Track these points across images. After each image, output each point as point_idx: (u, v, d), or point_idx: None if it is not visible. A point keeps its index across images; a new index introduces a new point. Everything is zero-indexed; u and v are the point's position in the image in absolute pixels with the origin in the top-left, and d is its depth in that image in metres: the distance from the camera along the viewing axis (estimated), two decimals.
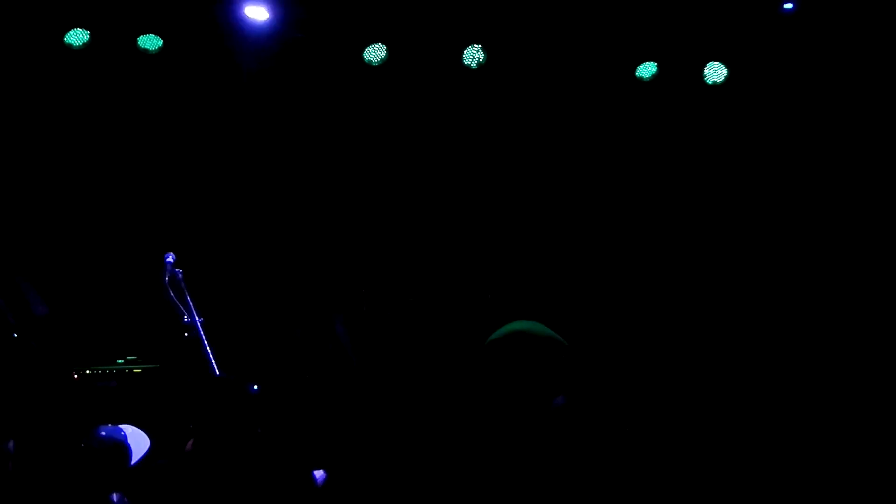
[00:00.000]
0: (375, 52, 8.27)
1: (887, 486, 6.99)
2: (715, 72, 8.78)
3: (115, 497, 4.18)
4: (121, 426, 4.72)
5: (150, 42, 7.82)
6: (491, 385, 3.46)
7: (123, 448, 4.55)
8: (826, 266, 8.67)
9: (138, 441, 4.79)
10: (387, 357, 7.70)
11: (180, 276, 6.28)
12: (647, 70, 8.76)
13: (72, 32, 7.58)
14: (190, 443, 3.84)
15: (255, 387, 7.14)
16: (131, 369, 7.04)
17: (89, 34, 7.62)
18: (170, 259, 6.23)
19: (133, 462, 4.56)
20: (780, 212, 9.13)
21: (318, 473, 4.21)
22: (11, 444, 3.79)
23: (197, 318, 6.31)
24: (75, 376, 6.82)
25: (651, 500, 3.33)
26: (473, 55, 8.38)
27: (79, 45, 7.59)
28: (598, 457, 3.35)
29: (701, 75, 8.78)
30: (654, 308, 8.85)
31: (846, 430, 7.65)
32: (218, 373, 6.31)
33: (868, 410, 7.76)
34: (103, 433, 4.59)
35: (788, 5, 8.30)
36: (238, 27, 7.81)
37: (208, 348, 6.35)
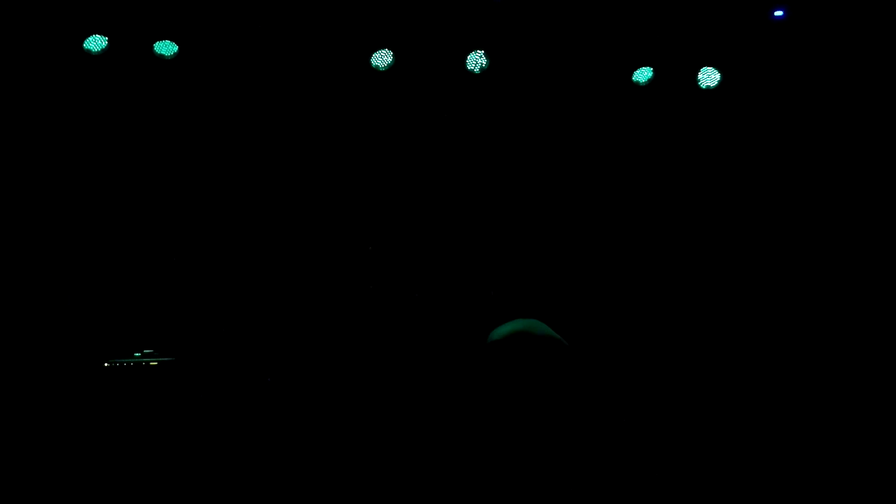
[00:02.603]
0: (382, 58, 8.25)
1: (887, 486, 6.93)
2: (708, 76, 8.77)
3: None
4: None
5: (165, 48, 7.79)
6: (492, 385, 3.43)
7: None
8: (821, 268, 8.65)
9: None
10: (389, 353, 7.69)
11: None
12: (643, 75, 8.76)
13: (90, 39, 7.56)
14: None
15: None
16: (148, 362, 7.03)
17: (107, 40, 7.60)
18: None
19: None
20: (771, 211, 9.11)
21: None
22: None
23: None
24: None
25: (652, 501, 3.29)
26: (476, 60, 8.37)
27: (97, 51, 7.57)
28: (598, 457, 3.32)
29: (695, 80, 8.77)
30: (652, 308, 8.83)
31: (846, 431, 7.60)
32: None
33: (868, 411, 7.70)
34: None
35: (779, 12, 8.30)
36: None
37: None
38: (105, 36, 7.56)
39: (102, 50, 7.59)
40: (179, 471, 3.39)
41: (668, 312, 8.65)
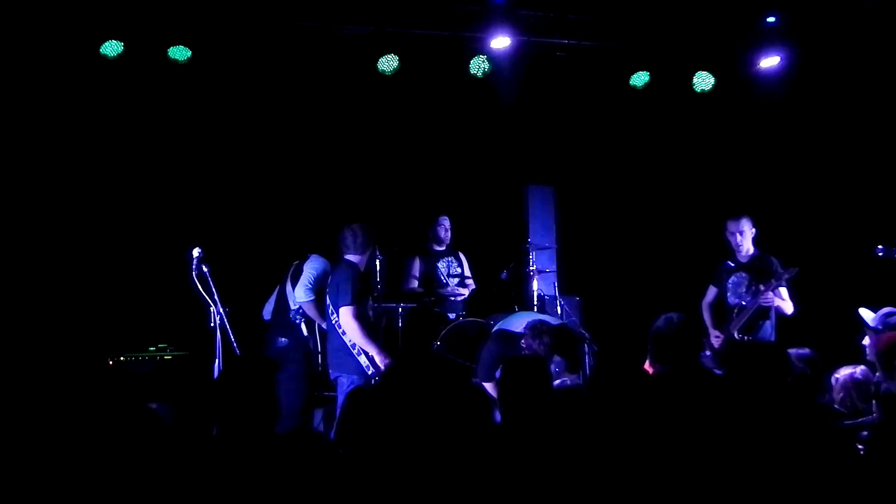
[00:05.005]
0: (388, 62, 8.26)
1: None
2: (703, 80, 8.79)
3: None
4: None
5: (179, 53, 7.81)
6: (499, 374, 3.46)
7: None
8: (813, 264, 8.67)
9: None
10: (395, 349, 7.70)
11: (207, 270, 6.36)
12: (640, 79, 8.77)
13: (107, 44, 7.58)
14: None
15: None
16: (162, 356, 7.06)
17: (123, 45, 7.61)
18: (196, 254, 6.32)
19: None
20: (766, 209, 9.13)
21: None
22: None
23: (222, 309, 6.38)
24: (110, 363, 6.84)
25: (656, 496, 3.29)
26: (479, 65, 8.37)
27: (113, 56, 7.59)
28: (604, 448, 3.33)
29: (690, 83, 8.79)
30: (650, 303, 8.82)
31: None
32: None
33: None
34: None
35: (771, 19, 8.31)
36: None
37: (232, 336, 6.44)
38: (121, 41, 7.58)
39: (118, 55, 7.60)
40: (192, 465, 3.37)
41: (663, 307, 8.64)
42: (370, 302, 6.83)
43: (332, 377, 6.60)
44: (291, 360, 6.96)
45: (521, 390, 3.74)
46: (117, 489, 3.41)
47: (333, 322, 6.48)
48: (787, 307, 7.13)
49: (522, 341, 6.28)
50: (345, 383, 6.39)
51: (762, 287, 6.96)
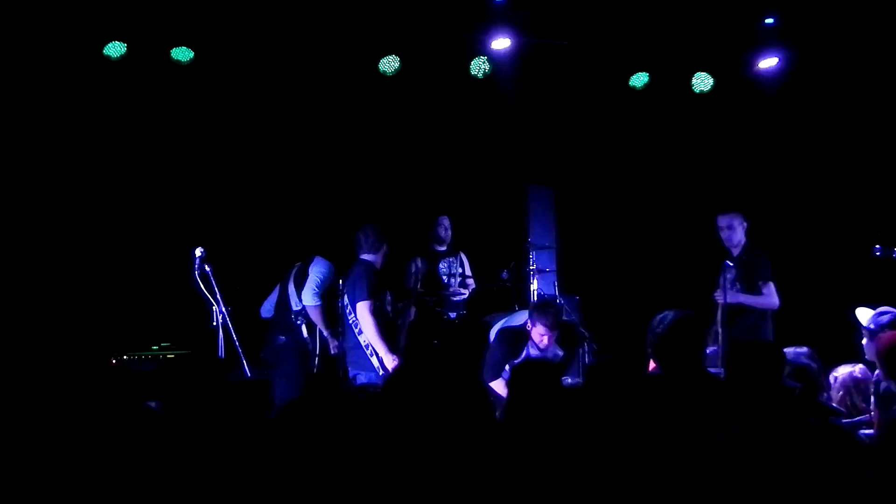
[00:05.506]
0: (389, 63, 8.26)
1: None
2: (702, 81, 8.80)
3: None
4: None
5: (182, 54, 7.82)
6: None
7: None
8: (812, 265, 8.71)
9: None
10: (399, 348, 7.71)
11: (210, 270, 6.43)
12: (639, 80, 8.78)
13: (110, 45, 7.58)
14: None
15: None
16: (165, 355, 7.05)
17: (126, 46, 7.61)
18: (198, 253, 6.39)
19: None
20: (764, 209, 9.14)
21: None
22: None
23: (224, 309, 6.43)
24: (113, 362, 6.84)
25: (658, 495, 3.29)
26: (479, 66, 8.38)
27: (116, 57, 7.59)
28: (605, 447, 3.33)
29: (689, 84, 8.80)
30: (650, 303, 8.82)
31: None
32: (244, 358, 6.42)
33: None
34: None
35: (769, 20, 8.32)
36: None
37: (234, 335, 6.50)
38: (124, 42, 7.59)
39: (121, 55, 7.61)
40: (197, 465, 3.37)
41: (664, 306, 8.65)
42: (387, 298, 6.98)
43: (350, 375, 6.73)
44: (287, 359, 7.09)
45: (532, 393, 3.74)
46: (118, 489, 3.41)
47: (350, 321, 6.64)
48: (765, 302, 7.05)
49: (527, 321, 6.31)
50: (362, 380, 6.54)
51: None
